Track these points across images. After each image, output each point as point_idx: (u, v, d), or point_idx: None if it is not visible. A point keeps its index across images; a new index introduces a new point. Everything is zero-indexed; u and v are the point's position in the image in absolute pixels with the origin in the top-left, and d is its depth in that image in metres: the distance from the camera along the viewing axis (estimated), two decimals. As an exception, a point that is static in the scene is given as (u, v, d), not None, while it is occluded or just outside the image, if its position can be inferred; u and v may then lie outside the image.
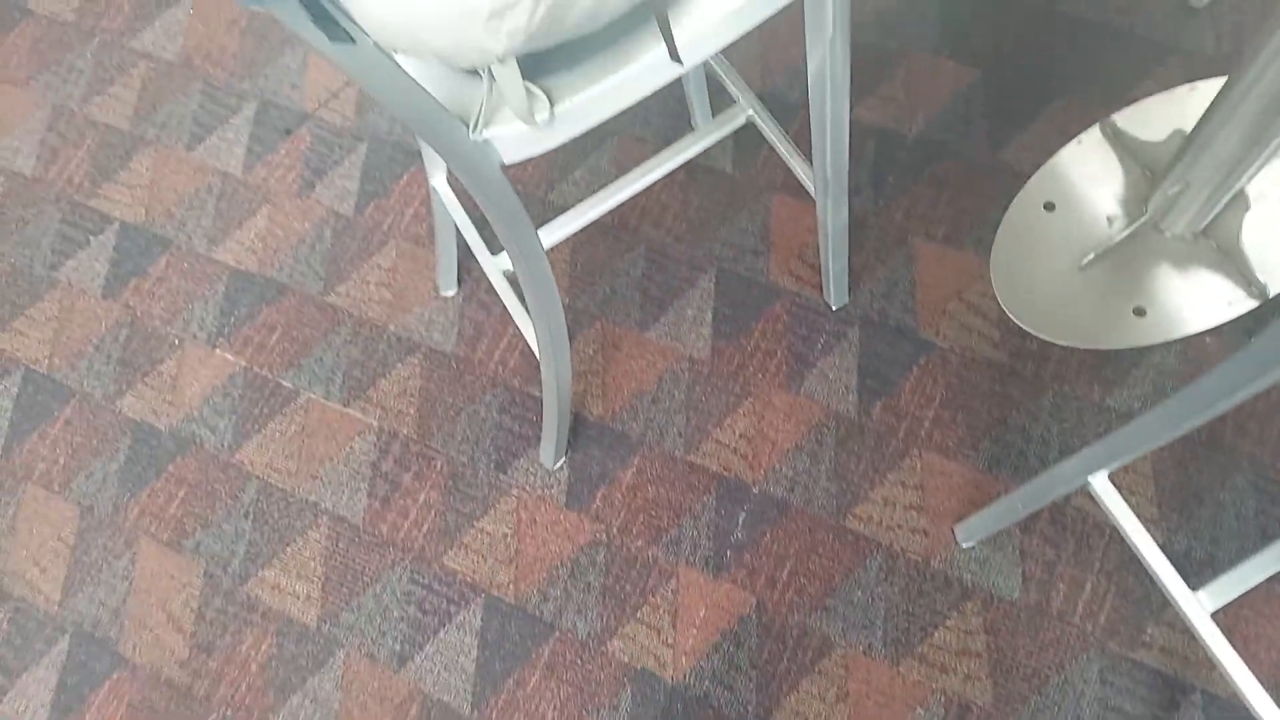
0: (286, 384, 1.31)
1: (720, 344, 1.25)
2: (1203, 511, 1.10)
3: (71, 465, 1.31)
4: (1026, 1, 1.38)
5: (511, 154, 0.66)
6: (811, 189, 1.05)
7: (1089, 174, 1.25)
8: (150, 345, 1.36)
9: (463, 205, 1.13)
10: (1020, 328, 1.20)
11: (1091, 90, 1.32)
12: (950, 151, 1.31)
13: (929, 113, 1.34)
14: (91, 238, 1.44)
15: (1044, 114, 1.31)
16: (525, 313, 1.17)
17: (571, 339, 1.28)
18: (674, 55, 0.65)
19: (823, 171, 0.96)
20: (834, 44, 0.77)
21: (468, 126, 0.62)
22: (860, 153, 1.32)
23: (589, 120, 0.67)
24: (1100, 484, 0.87)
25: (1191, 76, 1.30)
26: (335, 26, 0.48)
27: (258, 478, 1.27)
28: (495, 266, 1.08)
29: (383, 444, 1.26)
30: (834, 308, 1.24)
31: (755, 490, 1.17)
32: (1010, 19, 1.38)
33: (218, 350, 1.35)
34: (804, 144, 1.14)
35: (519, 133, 0.64)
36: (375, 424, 1.27)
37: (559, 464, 1.21)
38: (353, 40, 0.48)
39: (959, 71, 1.36)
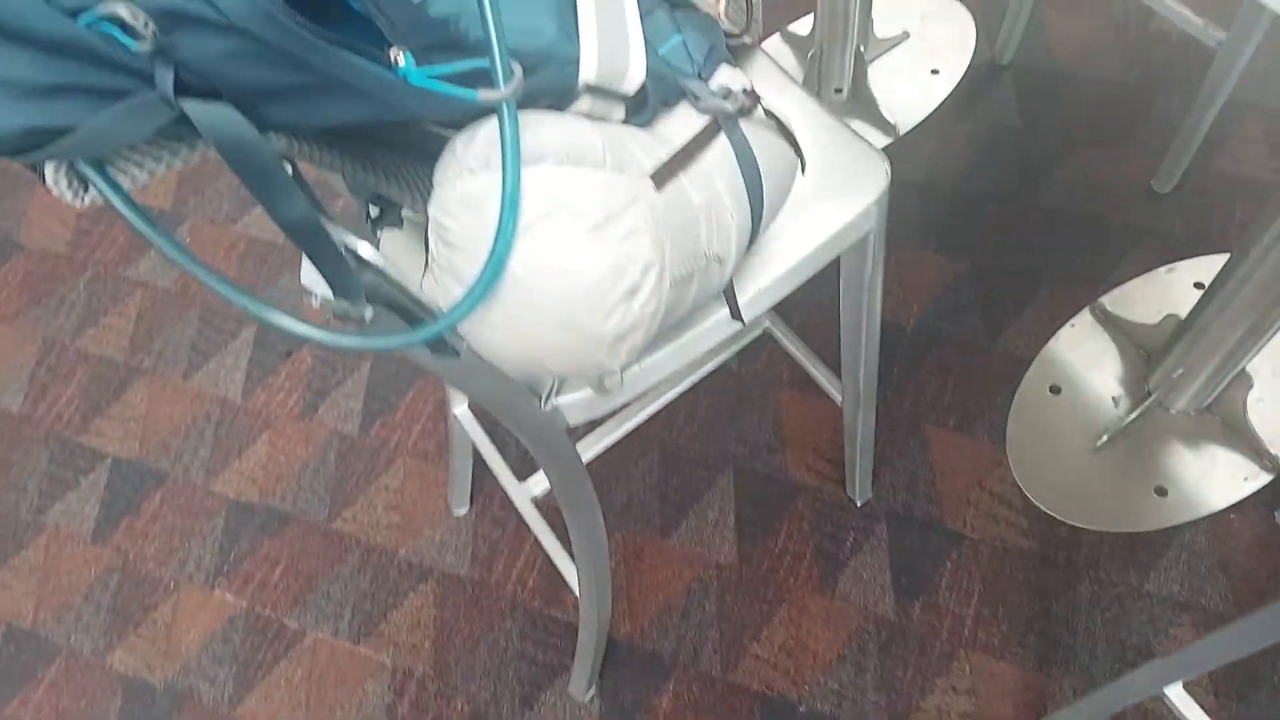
0: (292, 624, 1.24)
1: (746, 547, 1.22)
2: (1260, 697, 1.07)
3: (57, 731, 1.21)
4: (1001, 194, 1.46)
5: (576, 417, 0.65)
6: (832, 393, 1.06)
7: (1087, 356, 1.28)
8: (143, 591, 1.29)
9: (483, 429, 1.12)
10: (1047, 513, 1.19)
11: (1075, 275, 1.37)
12: (949, 340, 1.34)
13: (923, 304, 1.37)
14: (81, 477, 1.39)
15: (1034, 299, 1.36)
16: (549, 531, 1.14)
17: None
18: (736, 315, 0.66)
19: (854, 386, 0.97)
20: (871, 281, 0.79)
21: (539, 398, 0.62)
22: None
23: (653, 380, 0.67)
24: (1176, 694, 0.84)
25: (1166, 258, 1.36)
26: (444, 345, 0.48)
27: (264, 730, 1.18)
28: (523, 493, 1.05)
29: (397, 685, 1.19)
30: (858, 503, 1.23)
31: (801, 709, 1.11)
32: (988, 212, 1.45)
33: (216, 591, 1.28)
34: (811, 340, 1.16)
35: (587, 399, 0.63)
36: (389, 662, 1.20)
37: (590, 694, 1.15)
38: (457, 354, 0.47)
39: (948, 263, 1.40)
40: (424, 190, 0.53)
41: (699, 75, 0.59)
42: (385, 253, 0.69)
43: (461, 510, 1.29)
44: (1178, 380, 1.18)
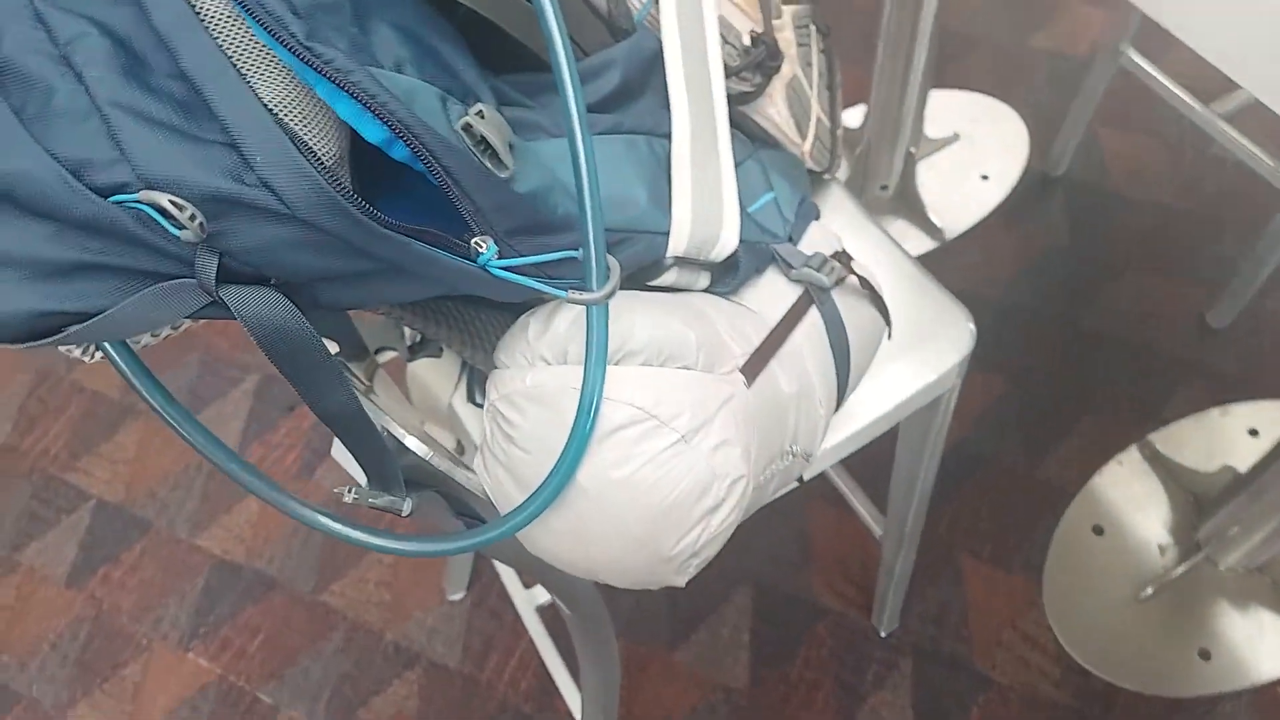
0: (266, 699, 1.17)
1: (760, 670, 1.15)
2: None
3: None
4: (1046, 312, 1.40)
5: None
6: (872, 527, 0.99)
7: (1134, 497, 1.22)
8: (114, 646, 1.21)
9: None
10: (1081, 665, 1.12)
11: (1121, 405, 1.31)
12: (987, 463, 1.28)
13: (963, 422, 1.31)
14: (64, 516, 1.32)
15: (1078, 429, 1.30)
16: (551, 643, 1.07)
17: (592, 658, 1.17)
18: (799, 478, 0.60)
19: (898, 529, 0.90)
20: (936, 439, 0.73)
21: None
22: (885, 466, 1.28)
23: None
24: None
25: (1219, 398, 1.30)
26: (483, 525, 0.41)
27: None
28: (527, 600, 0.99)
29: (374, 779, 1.11)
30: (883, 634, 1.16)
31: None
32: (1032, 330, 1.39)
33: (190, 654, 1.20)
34: (853, 463, 1.10)
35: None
36: (366, 754, 1.13)
37: (579, 816, 1.07)
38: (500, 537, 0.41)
39: (988, 383, 1.35)
40: (487, 342, 0.47)
41: (790, 237, 0.54)
42: (416, 373, 0.64)
43: (457, 596, 1.22)
44: (1232, 537, 1.12)
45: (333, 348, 0.42)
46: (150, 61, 0.30)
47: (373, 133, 0.32)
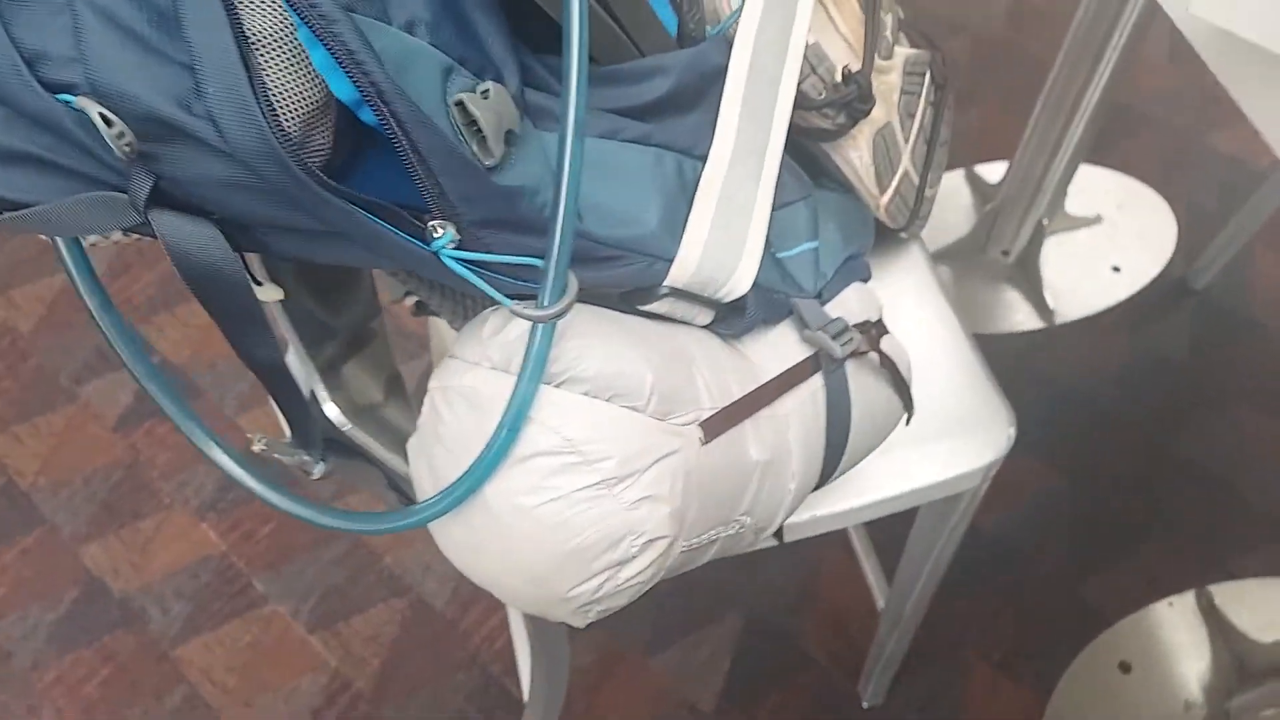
0: (258, 587, 1.20)
1: (727, 703, 1.12)
2: None
3: (11, 600, 1.19)
4: (1135, 424, 1.31)
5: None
6: (876, 596, 0.95)
7: (1175, 644, 1.13)
8: (139, 497, 1.27)
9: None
10: (1060, 800, 1.05)
11: (1189, 545, 1.21)
12: (1026, 562, 1.20)
13: (1007, 511, 1.24)
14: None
15: (1133, 555, 1.21)
16: (519, 616, 1.06)
17: (570, 640, 1.16)
18: (778, 536, 0.57)
19: (897, 608, 0.86)
20: (951, 536, 0.68)
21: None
22: (931, 533, 1.22)
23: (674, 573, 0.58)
24: None
25: (1302, 567, 1.19)
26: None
27: (189, 683, 1.14)
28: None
29: (332, 691, 1.13)
30: (865, 705, 1.11)
31: None
32: (1113, 438, 1.30)
33: (204, 524, 1.24)
34: (875, 525, 1.05)
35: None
36: (333, 664, 1.15)
37: (512, 790, 1.07)
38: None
39: (1046, 475, 1.27)
40: (470, 311, 0.45)
41: (819, 294, 0.50)
42: (436, 323, 0.62)
43: (462, 541, 1.23)
44: (1266, 718, 1.03)
45: (274, 294, 0.41)
46: None
47: (342, 89, 0.30)
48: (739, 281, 0.43)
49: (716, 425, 0.42)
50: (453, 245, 0.33)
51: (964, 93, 1.64)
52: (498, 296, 0.34)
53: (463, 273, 0.34)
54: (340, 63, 0.29)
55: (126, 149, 0.29)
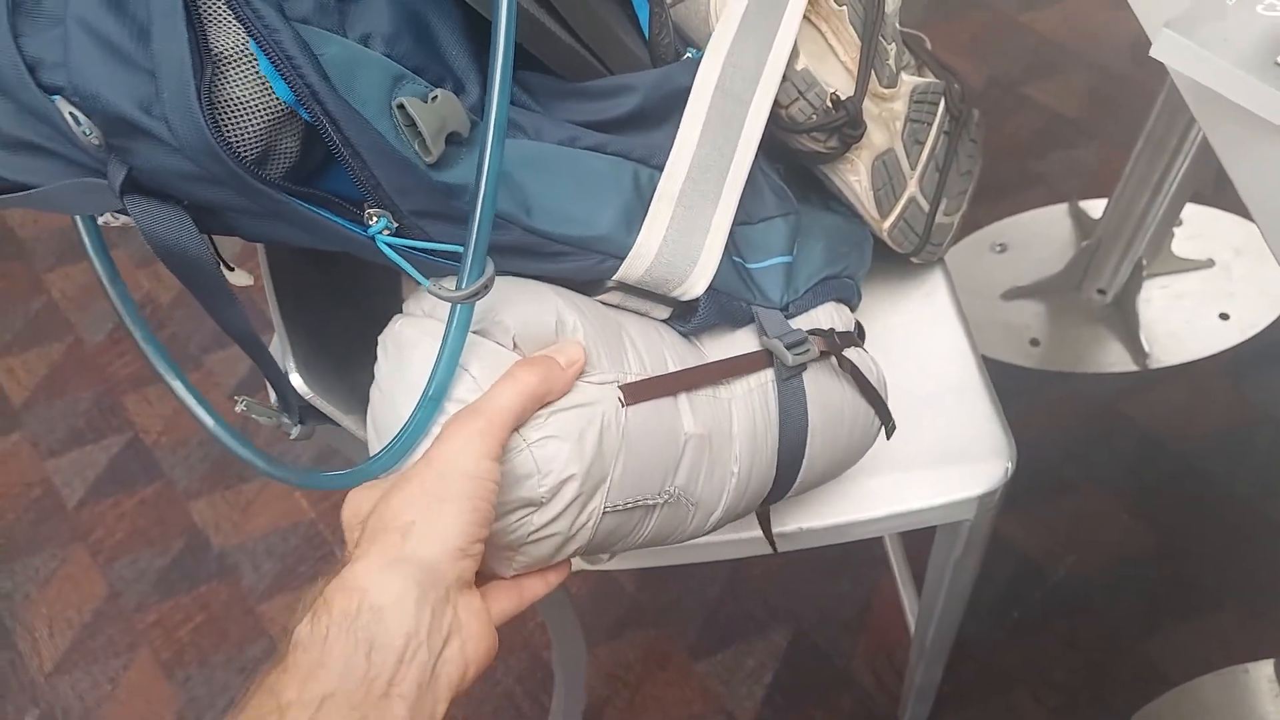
0: (339, 555, 1.29)
1: (769, 713, 1.13)
2: None
3: (125, 544, 1.33)
4: (1230, 484, 1.23)
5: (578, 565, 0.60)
6: (909, 619, 0.94)
7: (1243, 714, 1.07)
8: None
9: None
10: None
11: (1272, 611, 1.14)
12: (1092, 613, 1.16)
13: (1083, 561, 1.20)
14: (239, 363, 1.50)
15: (1209, 615, 1.15)
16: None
17: (619, 635, 1.19)
18: (771, 545, 0.59)
19: (921, 642, 0.85)
20: (958, 569, 0.68)
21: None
22: (993, 570, 1.19)
23: (659, 562, 0.61)
24: None
25: (1405, 649, 1.10)
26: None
27: (270, 637, 1.24)
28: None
29: (394, 660, 1.21)
30: (900, 734, 1.10)
31: None
32: (1206, 496, 1.23)
33: (297, 493, 1.35)
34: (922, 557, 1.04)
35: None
36: (398, 635, 1.22)
37: (545, 773, 1.11)
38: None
39: (1133, 530, 1.21)
40: None
41: (785, 307, 0.52)
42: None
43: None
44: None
45: (244, 280, 0.47)
46: None
47: (283, 92, 0.35)
48: (693, 285, 0.46)
49: (640, 390, 0.44)
50: (388, 232, 0.38)
51: (1079, 126, 1.59)
52: (418, 277, 0.39)
53: (391, 256, 0.38)
54: (278, 68, 0.34)
55: (94, 143, 0.35)
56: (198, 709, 1.19)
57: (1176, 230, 1.34)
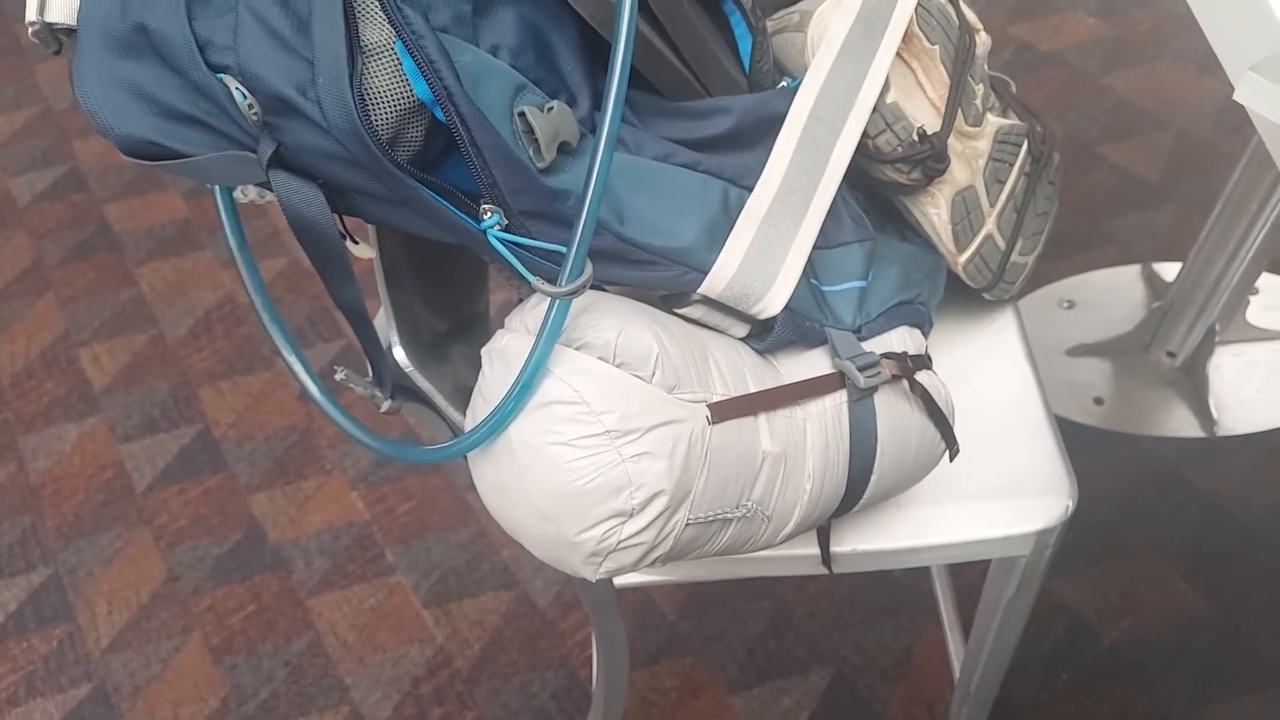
0: (389, 557, 1.32)
1: (800, 754, 1.12)
2: None
3: (187, 531, 1.37)
4: (1301, 561, 1.20)
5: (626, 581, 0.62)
6: (954, 664, 0.93)
7: (1297, 798, 1.03)
8: (306, 460, 1.42)
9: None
10: None
11: (1340, 697, 1.10)
12: (1145, 682, 1.13)
13: (1138, 625, 1.17)
14: (321, 343, 1.55)
15: (1266, 692, 1.11)
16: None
17: (658, 661, 1.20)
18: (826, 564, 0.60)
19: (965, 687, 0.85)
20: (1010, 610, 0.68)
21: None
22: (1044, 627, 1.18)
23: (712, 575, 0.62)
24: None
25: None
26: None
27: (316, 631, 1.26)
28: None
29: (435, 664, 1.22)
30: (934, 787, 1.08)
31: None
32: (1266, 565, 1.20)
33: (354, 494, 1.38)
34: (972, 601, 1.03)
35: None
36: (439, 640, 1.24)
37: (576, 790, 1.11)
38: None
39: (1191, 598, 1.19)
40: None
41: (858, 329, 0.53)
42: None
43: (574, 549, 1.30)
44: None
45: (367, 253, 0.50)
46: None
47: (422, 91, 0.38)
48: (771, 302, 0.48)
49: (726, 409, 0.46)
50: (500, 228, 0.41)
51: (1155, 189, 1.59)
52: (524, 273, 0.41)
53: (501, 250, 0.41)
54: (421, 69, 0.38)
55: (255, 117, 0.38)
56: (241, 695, 1.21)
57: (1252, 299, 1.32)
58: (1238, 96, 0.42)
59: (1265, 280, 1.33)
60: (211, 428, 1.47)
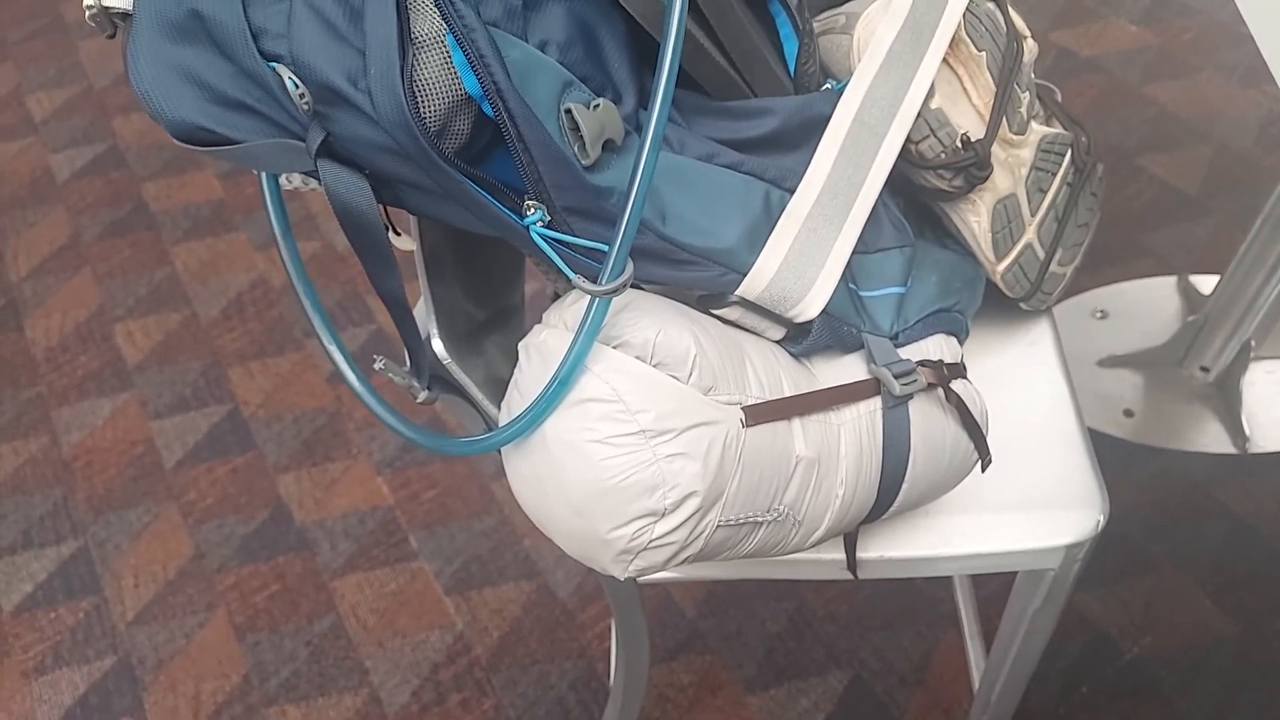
0: (412, 543, 1.33)
1: (814, 756, 1.12)
2: None
3: (214, 508, 1.39)
4: (1331, 583, 1.19)
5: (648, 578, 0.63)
6: (974, 675, 0.93)
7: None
8: (334, 443, 1.44)
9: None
10: None
11: (1366, 722, 1.09)
12: (1163, 699, 1.12)
13: (1160, 643, 1.16)
14: (352, 327, 1.57)
15: (1293, 717, 1.10)
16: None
17: (675, 657, 1.20)
18: (852, 569, 0.60)
19: (985, 698, 0.84)
20: (1035, 623, 0.68)
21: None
22: (1065, 641, 1.17)
23: (737, 574, 0.62)
24: None
25: None
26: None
27: (337, 613, 1.27)
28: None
29: (454, 651, 1.23)
30: (948, 795, 1.08)
31: None
32: (1303, 591, 1.19)
33: (380, 478, 1.39)
34: (995, 611, 1.02)
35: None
36: (459, 626, 1.25)
37: (589, 781, 1.12)
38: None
39: (1215, 618, 1.17)
40: None
41: (895, 335, 0.53)
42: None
43: (595, 542, 1.30)
44: None
45: (407, 245, 0.50)
46: None
47: (471, 84, 0.39)
48: (809, 306, 0.48)
49: (761, 412, 0.46)
50: (542, 224, 0.41)
51: (1194, 202, 1.56)
52: (565, 270, 0.41)
53: (543, 246, 0.41)
54: (471, 63, 0.38)
55: (305, 106, 0.39)
56: (263, 673, 1.23)
57: (1289, 315, 1.30)
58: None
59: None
60: (241, 408, 1.49)
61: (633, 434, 0.43)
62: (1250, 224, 1.19)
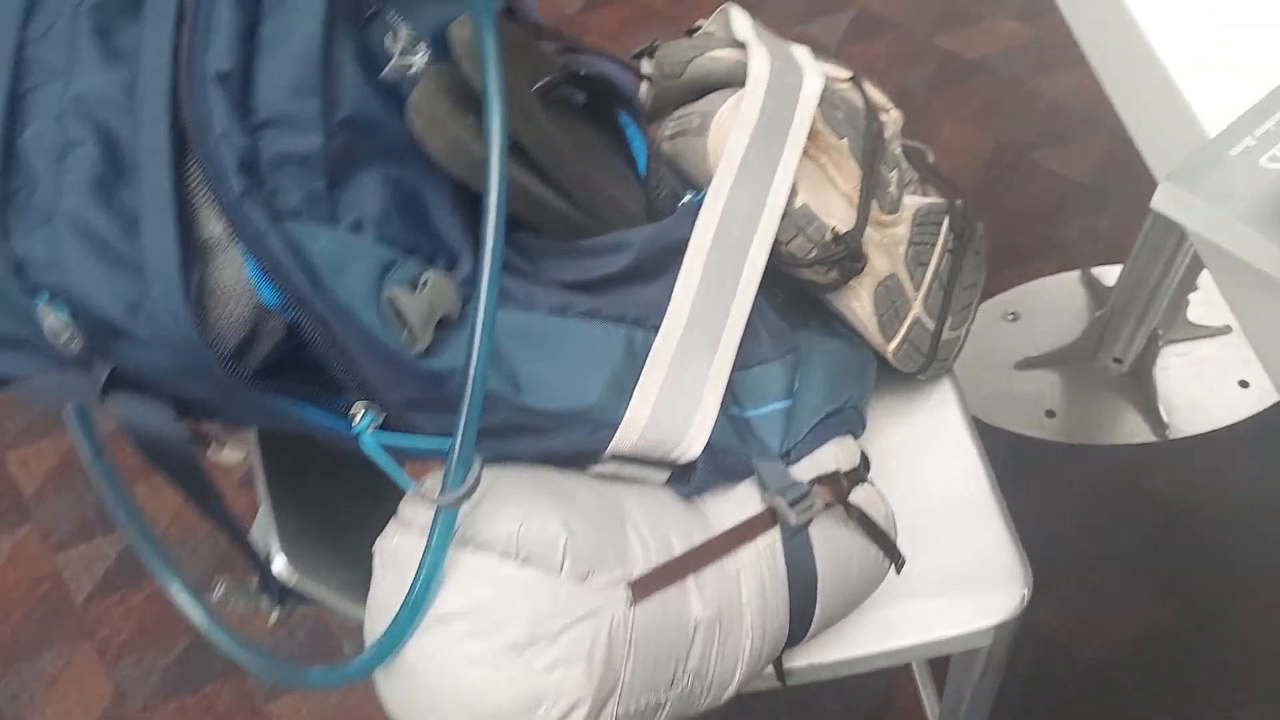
0: (348, 651, 1.27)
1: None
2: None
3: (131, 642, 1.31)
4: (1257, 558, 1.20)
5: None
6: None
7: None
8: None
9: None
10: None
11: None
12: (1121, 704, 1.12)
13: (1109, 643, 1.16)
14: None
15: (1245, 706, 1.11)
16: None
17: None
18: (780, 679, 0.57)
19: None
20: (975, 694, 0.66)
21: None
22: (1017, 658, 1.16)
23: None
24: None
25: None
26: None
27: (278, 738, 1.21)
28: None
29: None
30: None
31: None
32: (1239, 575, 1.20)
33: (305, 584, 1.33)
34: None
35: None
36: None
37: None
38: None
39: (1159, 612, 1.18)
40: None
41: (787, 453, 0.50)
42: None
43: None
44: None
45: (234, 457, 0.45)
46: (131, 178, 0.34)
47: (268, 296, 0.34)
48: (690, 445, 0.45)
49: (650, 584, 0.43)
50: (374, 427, 0.37)
51: (1092, 192, 1.58)
52: (402, 483, 0.37)
53: (375, 458, 0.37)
54: (265, 273, 0.34)
55: (75, 349, 0.34)
56: (205, 816, 1.16)
57: (1192, 296, 1.32)
58: (1154, 205, 0.39)
59: (1203, 276, 1.33)
60: (150, 528, 1.41)
61: (502, 648, 0.39)
62: (1134, 207, 1.19)
